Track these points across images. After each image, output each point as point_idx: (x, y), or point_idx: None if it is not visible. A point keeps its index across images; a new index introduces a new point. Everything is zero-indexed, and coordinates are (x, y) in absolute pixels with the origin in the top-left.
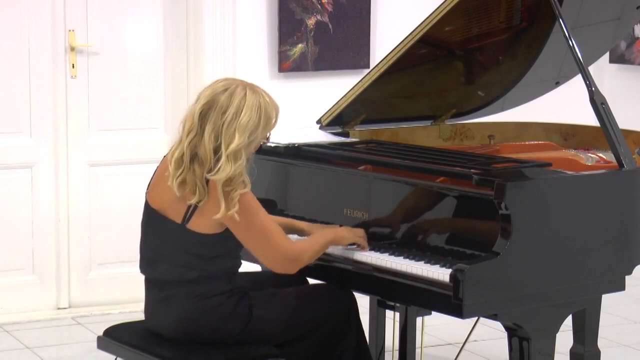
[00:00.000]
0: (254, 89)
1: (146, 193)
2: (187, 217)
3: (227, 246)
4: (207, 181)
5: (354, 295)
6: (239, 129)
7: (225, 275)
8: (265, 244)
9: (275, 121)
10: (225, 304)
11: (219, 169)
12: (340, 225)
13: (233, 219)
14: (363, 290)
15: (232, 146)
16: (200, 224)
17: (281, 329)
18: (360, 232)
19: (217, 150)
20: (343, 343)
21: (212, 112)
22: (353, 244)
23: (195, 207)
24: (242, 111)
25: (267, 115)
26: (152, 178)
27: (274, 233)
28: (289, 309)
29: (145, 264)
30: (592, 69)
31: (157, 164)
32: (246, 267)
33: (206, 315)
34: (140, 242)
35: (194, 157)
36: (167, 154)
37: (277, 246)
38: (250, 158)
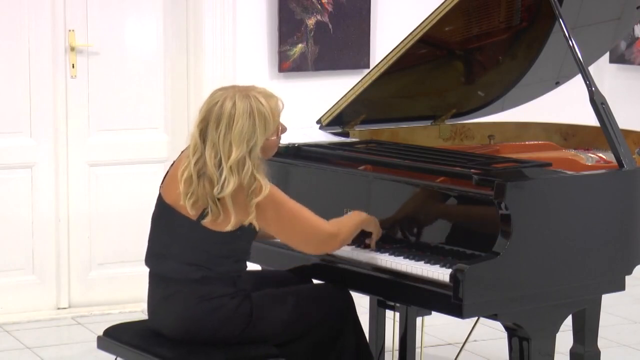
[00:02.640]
0: (246, 93)
1: (160, 187)
2: (202, 216)
3: (237, 246)
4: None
5: (350, 294)
6: (233, 139)
7: (230, 278)
8: (301, 229)
9: (276, 119)
10: (227, 306)
11: (224, 184)
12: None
13: (258, 221)
14: (363, 290)
15: (232, 158)
16: (215, 224)
17: (281, 329)
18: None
19: (219, 166)
20: (343, 342)
21: (208, 128)
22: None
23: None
24: (233, 121)
25: (261, 117)
26: (167, 173)
27: (306, 216)
28: (289, 309)
29: (152, 258)
30: (592, 69)
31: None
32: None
33: (208, 316)
34: (150, 235)
35: (202, 175)
36: (184, 150)
37: (313, 227)
38: (261, 160)
